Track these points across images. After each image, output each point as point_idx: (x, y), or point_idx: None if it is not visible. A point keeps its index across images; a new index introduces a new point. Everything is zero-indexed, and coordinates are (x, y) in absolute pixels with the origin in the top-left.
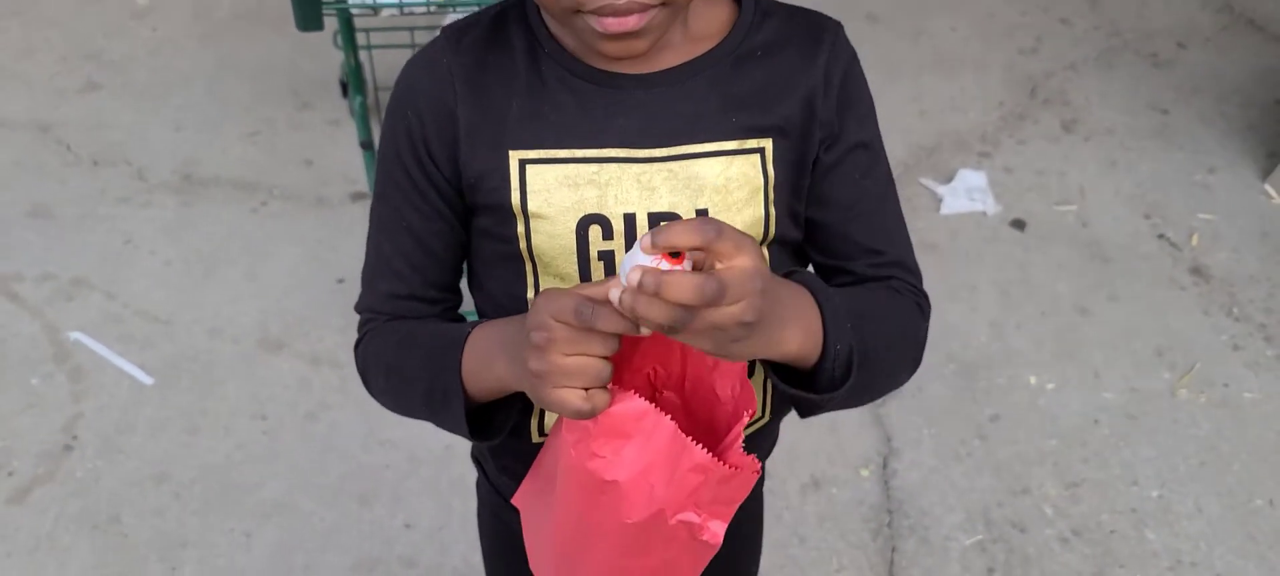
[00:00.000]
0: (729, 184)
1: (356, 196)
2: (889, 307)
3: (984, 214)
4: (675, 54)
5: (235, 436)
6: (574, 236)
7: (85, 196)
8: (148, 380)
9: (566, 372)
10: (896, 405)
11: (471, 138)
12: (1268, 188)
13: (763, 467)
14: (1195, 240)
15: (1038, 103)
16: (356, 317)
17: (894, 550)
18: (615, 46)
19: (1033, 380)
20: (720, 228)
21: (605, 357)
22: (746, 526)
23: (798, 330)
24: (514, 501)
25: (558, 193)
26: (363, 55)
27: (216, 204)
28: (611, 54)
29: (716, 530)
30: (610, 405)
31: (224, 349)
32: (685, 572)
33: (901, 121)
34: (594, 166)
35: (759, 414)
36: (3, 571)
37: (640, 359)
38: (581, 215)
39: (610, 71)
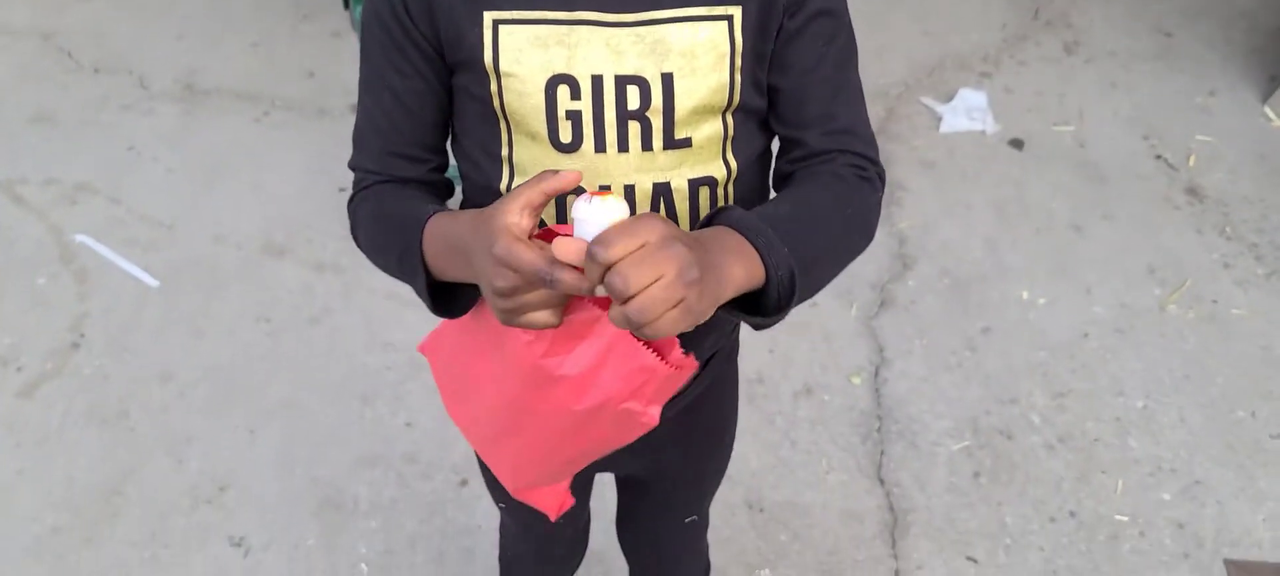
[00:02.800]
0: (696, 49)
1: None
2: (828, 205)
3: (983, 133)
4: None
5: (239, 338)
6: (543, 95)
7: (88, 104)
8: (153, 282)
9: (531, 309)
10: (889, 317)
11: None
12: (1267, 110)
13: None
14: (1192, 161)
15: (1040, 24)
16: None
17: (882, 453)
18: None
19: (1025, 295)
20: (615, 237)
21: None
22: (710, 444)
23: (739, 269)
24: (420, 348)
25: (527, 52)
26: None
27: (219, 113)
28: None
29: (654, 414)
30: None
31: (228, 254)
32: (615, 444)
33: (904, 40)
34: (564, 28)
35: None
36: (14, 462)
37: None
38: (550, 75)
39: None
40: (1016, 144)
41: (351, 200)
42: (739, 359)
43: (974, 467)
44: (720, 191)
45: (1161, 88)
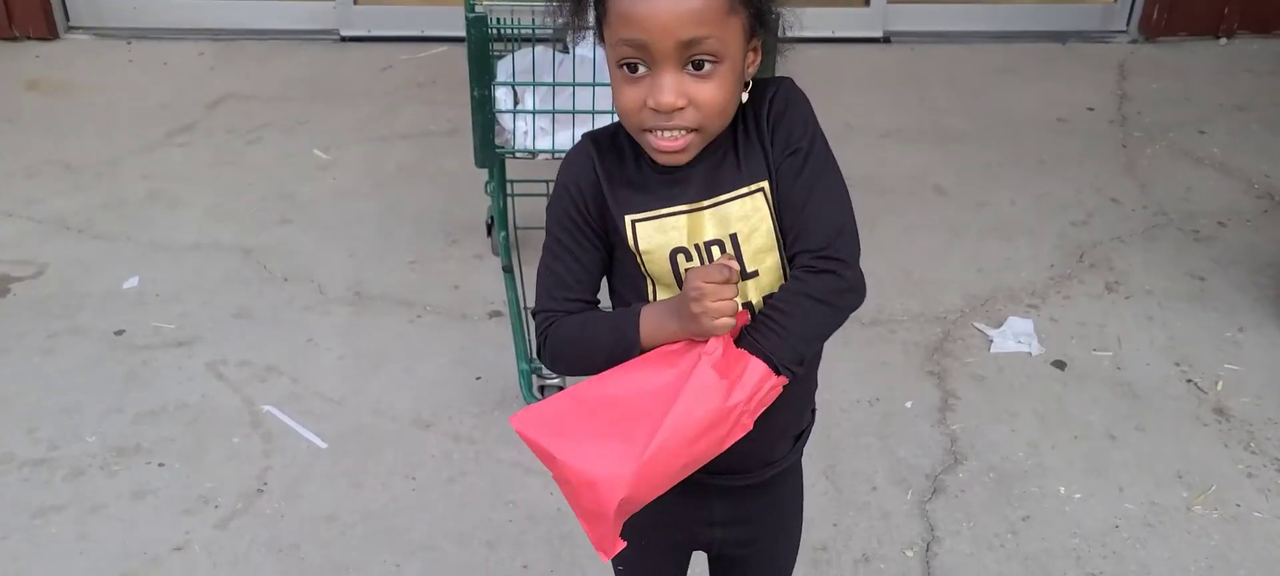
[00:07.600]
0: (750, 216)
1: (493, 314)
2: (798, 310)
3: (1029, 354)
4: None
5: (391, 491)
6: (669, 261)
7: (278, 305)
8: (323, 445)
9: (719, 308)
10: (941, 502)
11: (605, 204)
12: None
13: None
14: (1220, 386)
15: (1085, 266)
16: (490, 405)
17: None
18: (665, 158)
19: (1062, 490)
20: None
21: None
22: (789, 522)
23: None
24: (512, 421)
25: (655, 237)
26: (506, 199)
27: (381, 315)
28: (664, 163)
29: (748, 422)
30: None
31: (384, 425)
32: (714, 452)
33: (960, 276)
34: (672, 219)
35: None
36: None
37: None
38: (671, 248)
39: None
40: (1059, 365)
41: (544, 333)
42: (805, 530)
43: None
44: None
45: (1194, 323)
